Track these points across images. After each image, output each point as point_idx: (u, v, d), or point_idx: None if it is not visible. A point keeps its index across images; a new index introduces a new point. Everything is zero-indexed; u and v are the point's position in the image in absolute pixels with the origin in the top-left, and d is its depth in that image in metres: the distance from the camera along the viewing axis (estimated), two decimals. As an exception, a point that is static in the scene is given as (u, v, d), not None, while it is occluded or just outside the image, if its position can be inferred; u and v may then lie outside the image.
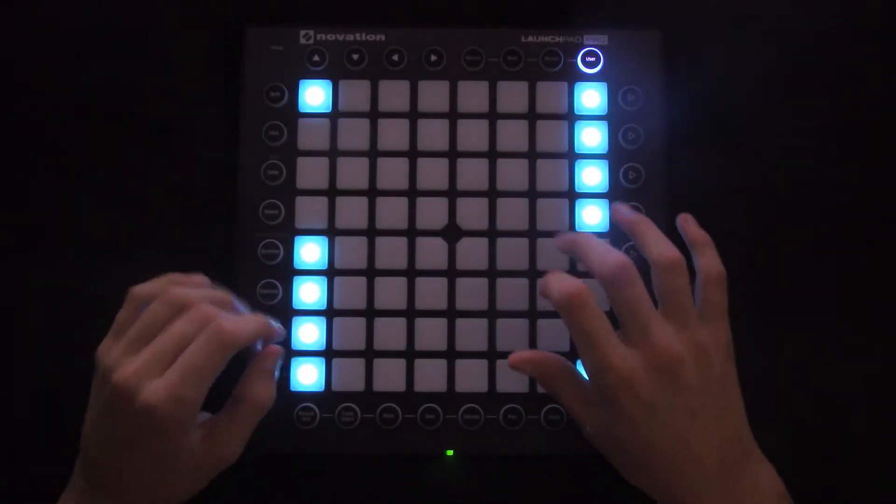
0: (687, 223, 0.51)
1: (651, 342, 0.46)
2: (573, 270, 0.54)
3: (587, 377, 0.48)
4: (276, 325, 0.50)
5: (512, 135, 0.55)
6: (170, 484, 0.46)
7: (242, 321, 0.47)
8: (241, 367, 0.49)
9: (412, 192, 0.54)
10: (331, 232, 0.54)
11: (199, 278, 0.49)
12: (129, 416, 0.44)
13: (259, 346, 0.49)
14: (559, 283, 0.47)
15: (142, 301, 0.47)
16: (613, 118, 0.55)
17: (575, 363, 0.51)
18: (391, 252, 0.54)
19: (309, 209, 0.54)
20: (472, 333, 0.53)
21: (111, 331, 0.48)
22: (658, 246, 0.48)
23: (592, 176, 0.55)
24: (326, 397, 0.53)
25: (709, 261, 0.49)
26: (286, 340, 0.53)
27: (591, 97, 0.55)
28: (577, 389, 0.48)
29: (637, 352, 0.46)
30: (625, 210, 0.52)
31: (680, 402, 0.46)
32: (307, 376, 0.53)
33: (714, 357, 0.47)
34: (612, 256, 0.47)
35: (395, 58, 0.55)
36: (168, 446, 0.45)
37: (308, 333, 0.53)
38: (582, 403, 0.48)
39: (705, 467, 0.46)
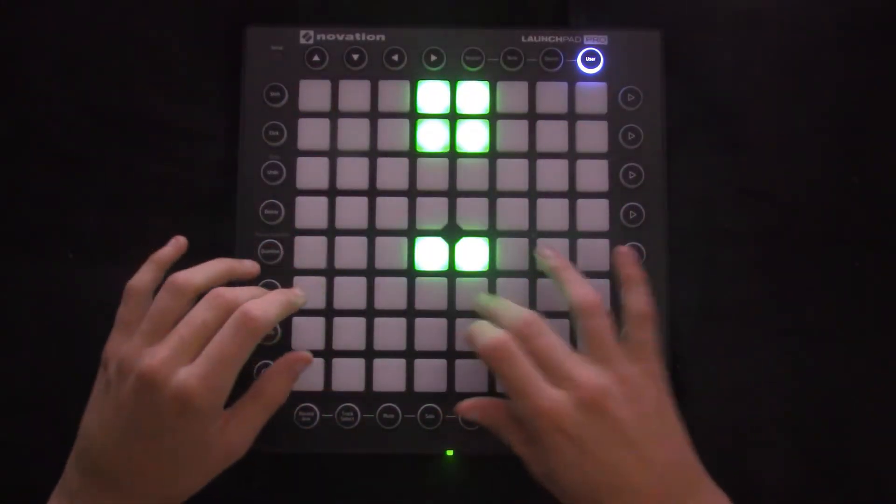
0: (623, 258, 0.51)
1: (573, 379, 0.46)
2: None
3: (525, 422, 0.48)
4: (298, 293, 0.51)
5: (512, 135, 0.55)
6: (181, 477, 0.47)
7: (268, 304, 0.47)
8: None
9: (412, 192, 0.54)
10: (331, 232, 0.54)
11: (175, 246, 0.50)
12: (157, 404, 0.44)
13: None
14: (483, 334, 0.48)
15: (140, 294, 0.48)
16: (613, 118, 0.55)
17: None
18: (391, 252, 0.54)
19: (309, 209, 0.54)
20: (472, 333, 0.53)
21: (116, 327, 0.48)
22: (577, 288, 0.49)
23: (592, 176, 0.55)
24: (326, 397, 0.53)
25: (636, 298, 0.49)
26: (287, 339, 0.53)
27: (591, 97, 0.55)
28: (519, 430, 0.48)
29: (563, 392, 0.46)
30: (547, 252, 0.52)
31: (612, 433, 0.45)
32: (307, 376, 0.53)
33: (644, 389, 0.47)
34: (519, 313, 0.48)
35: (395, 58, 0.55)
36: (192, 434, 0.45)
37: (308, 333, 0.53)
38: (523, 443, 0.48)
39: (649, 497, 0.45)
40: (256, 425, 0.48)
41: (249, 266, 0.52)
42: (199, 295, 0.47)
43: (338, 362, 0.53)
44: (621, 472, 0.45)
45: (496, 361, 0.47)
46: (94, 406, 0.47)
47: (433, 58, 0.55)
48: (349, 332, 0.53)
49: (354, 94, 0.55)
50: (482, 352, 0.47)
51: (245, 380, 0.49)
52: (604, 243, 0.54)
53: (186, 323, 0.46)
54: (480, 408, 0.49)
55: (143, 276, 0.49)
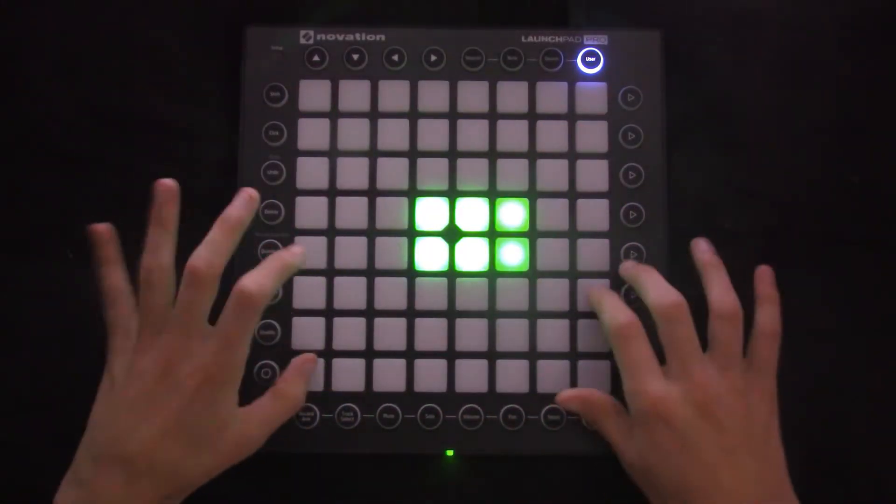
0: (763, 276, 0.53)
1: (691, 378, 0.47)
2: (572, 269, 0.54)
3: (630, 407, 0.49)
4: (295, 252, 0.52)
5: (512, 135, 0.55)
6: (196, 459, 0.47)
7: (262, 276, 0.49)
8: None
9: (412, 192, 0.54)
10: (331, 232, 0.54)
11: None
12: (177, 384, 0.47)
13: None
14: (613, 312, 0.50)
15: (120, 292, 0.50)
16: (613, 118, 0.55)
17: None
18: (391, 252, 0.54)
19: (309, 209, 0.54)
20: (471, 333, 0.53)
21: (113, 330, 0.49)
22: (720, 293, 0.50)
23: (592, 176, 0.55)
24: (326, 397, 0.53)
25: (768, 318, 0.51)
26: (287, 338, 0.53)
27: (591, 97, 0.55)
28: (619, 420, 0.50)
29: (677, 385, 0.47)
30: (703, 248, 0.53)
31: (715, 439, 0.46)
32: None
33: (756, 405, 0.48)
34: (669, 293, 0.49)
35: (395, 58, 0.55)
36: (211, 410, 0.47)
37: (308, 334, 0.53)
38: (622, 434, 0.50)
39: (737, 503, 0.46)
40: (273, 423, 0.50)
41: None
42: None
43: (338, 362, 0.53)
44: (715, 474, 0.46)
45: (622, 340, 0.49)
46: (105, 396, 0.48)
47: (433, 58, 0.55)
48: (349, 332, 0.53)
49: (354, 94, 0.55)
50: (611, 328, 0.49)
51: (247, 382, 0.49)
52: (604, 243, 0.54)
53: (178, 309, 0.48)
54: (582, 397, 0.51)
55: (115, 278, 0.51)
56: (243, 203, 0.51)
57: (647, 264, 0.53)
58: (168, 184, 0.51)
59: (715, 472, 0.46)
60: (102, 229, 0.51)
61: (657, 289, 0.50)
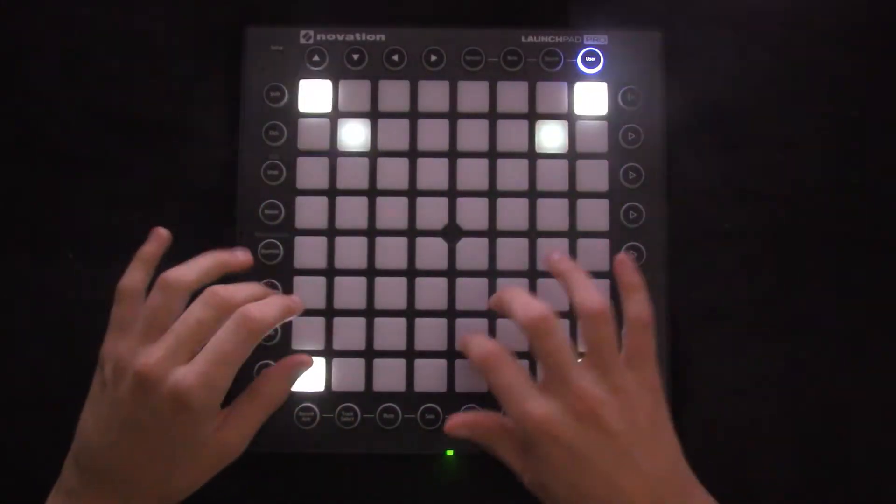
0: (622, 265, 0.50)
1: (570, 389, 0.46)
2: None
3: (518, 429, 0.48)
4: (297, 301, 0.51)
5: (512, 135, 0.55)
6: (177, 477, 0.47)
7: (267, 307, 0.47)
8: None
9: (412, 192, 0.54)
10: (331, 232, 0.54)
11: (157, 239, 0.49)
12: (153, 403, 0.44)
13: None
14: (476, 342, 0.48)
15: (132, 293, 0.48)
16: (613, 118, 0.55)
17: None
18: (391, 252, 0.54)
19: (309, 209, 0.54)
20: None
21: (111, 328, 0.48)
22: (584, 294, 0.48)
23: (592, 176, 0.54)
24: (326, 397, 0.53)
25: (637, 307, 0.49)
26: (287, 339, 0.53)
27: (591, 97, 0.55)
28: (510, 442, 0.48)
29: (557, 400, 0.46)
30: (556, 258, 0.51)
31: (605, 445, 0.45)
32: (308, 376, 0.53)
33: (640, 399, 0.47)
34: (534, 307, 0.47)
35: (395, 58, 0.55)
36: (187, 433, 0.45)
37: (308, 333, 0.53)
38: (516, 454, 0.48)
39: None
40: (253, 425, 0.48)
41: (242, 258, 0.51)
42: (195, 292, 0.47)
43: (338, 362, 0.53)
44: (613, 482, 0.45)
45: (488, 369, 0.47)
46: (90, 406, 0.47)
47: (433, 58, 0.55)
48: (349, 332, 0.53)
49: (354, 94, 0.55)
50: (475, 360, 0.48)
51: (244, 380, 0.49)
52: (604, 243, 0.54)
53: (182, 322, 0.46)
54: (469, 423, 0.49)
55: (133, 276, 0.48)
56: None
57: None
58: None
59: (610, 478, 0.45)
60: (164, 233, 0.50)
61: (523, 303, 0.48)
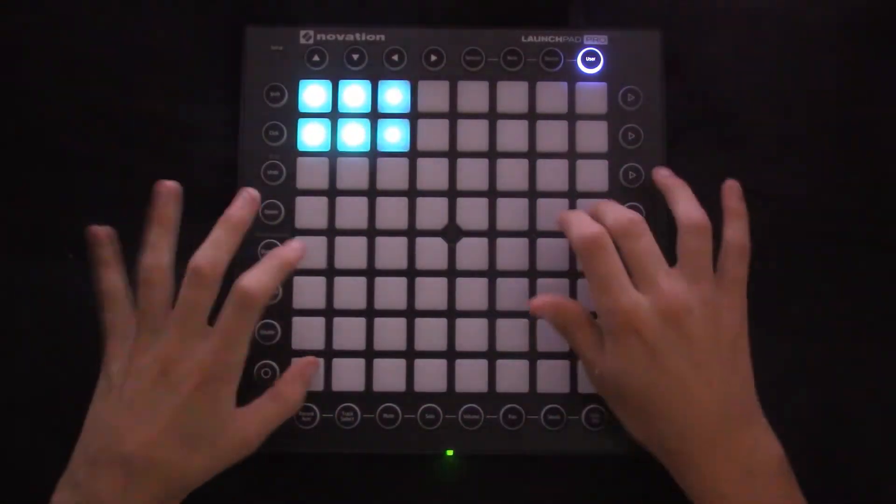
0: (730, 191, 0.52)
1: (659, 288, 0.47)
2: (573, 269, 0.54)
3: (600, 319, 0.49)
4: (295, 247, 0.51)
5: (512, 135, 0.55)
6: (193, 460, 0.47)
7: (262, 274, 0.49)
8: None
9: (412, 192, 0.54)
10: (331, 232, 0.54)
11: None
12: (175, 384, 0.46)
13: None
14: (579, 225, 0.49)
15: (117, 294, 0.50)
16: (613, 118, 0.55)
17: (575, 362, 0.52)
18: (391, 252, 0.54)
19: (309, 209, 0.54)
20: (472, 333, 0.53)
21: (109, 334, 0.49)
22: (686, 207, 0.49)
23: (592, 176, 0.54)
24: (326, 397, 0.53)
25: (736, 233, 0.50)
26: (287, 338, 0.53)
27: (591, 97, 0.55)
28: (589, 332, 0.49)
29: (646, 297, 0.47)
30: (664, 172, 0.53)
31: (684, 350, 0.46)
32: (307, 376, 0.53)
33: (725, 317, 0.48)
34: (625, 212, 0.49)
35: (395, 58, 0.55)
36: (209, 412, 0.47)
37: (308, 333, 0.53)
38: (592, 346, 0.49)
39: (704, 418, 0.46)
40: (271, 424, 0.50)
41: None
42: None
43: (338, 362, 0.53)
44: (685, 386, 0.46)
45: (588, 253, 0.48)
46: (100, 402, 0.48)
47: (433, 58, 0.55)
48: (349, 332, 0.53)
49: (354, 94, 0.55)
50: (577, 241, 0.49)
51: (244, 379, 0.49)
52: (604, 243, 0.54)
53: (179, 306, 0.48)
54: (554, 305, 0.50)
55: (113, 279, 0.50)
56: (245, 203, 0.51)
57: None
58: (169, 184, 0.51)
59: (683, 383, 0.46)
60: (100, 231, 0.51)
61: (612, 209, 0.50)
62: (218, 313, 0.48)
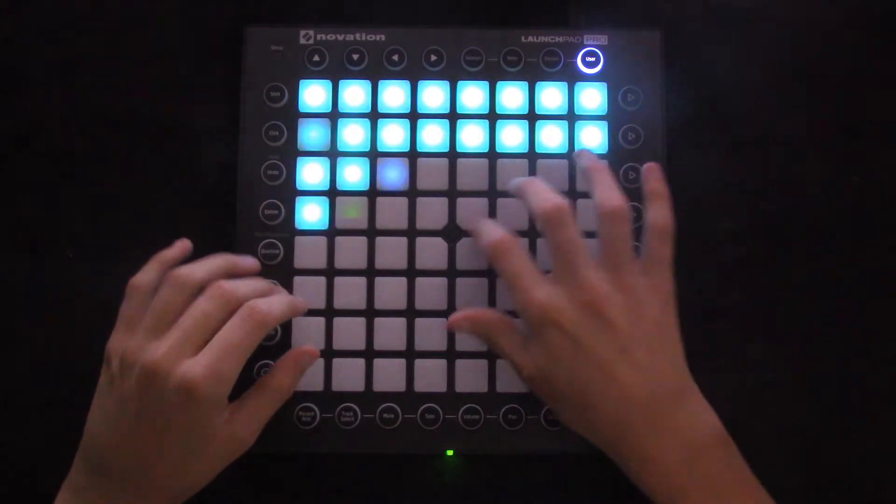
0: (650, 172, 0.51)
1: (577, 280, 0.47)
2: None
3: (521, 319, 0.49)
4: (301, 301, 0.51)
5: (512, 135, 0.55)
6: (188, 470, 0.47)
7: (275, 301, 0.48)
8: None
9: (412, 192, 0.54)
10: (331, 232, 0.54)
11: (180, 248, 0.51)
12: (162, 396, 0.45)
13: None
14: (488, 230, 0.49)
15: (142, 291, 0.48)
16: (613, 118, 0.55)
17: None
18: (391, 252, 0.54)
19: (309, 209, 0.54)
20: (472, 333, 0.53)
21: (119, 324, 0.48)
22: (604, 192, 0.49)
23: (592, 176, 0.54)
24: (326, 397, 0.53)
25: (657, 213, 0.50)
26: (287, 339, 0.53)
27: (591, 97, 0.55)
28: (512, 335, 0.49)
29: (563, 289, 0.47)
30: (586, 156, 0.52)
31: (606, 336, 0.46)
32: (307, 376, 0.53)
33: (648, 302, 0.48)
34: (550, 198, 0.48)
35: (395, 58, 0.55)
36: (197, 425, 0.46)
37: (308, 333, 0.53)
38: (516, 347, 0.49)
39: (636, 402, 0.46)
40: (262, 418, 0.49)
41: (250, 263, 0.52)
42: (201, 290, 0.48)
43: (338, 362, 0.53)
44: (611, 372, 0.46)
45: (498, 256, 0.48)
46: (98, 403, 0.47)
47: (433, 58, 0.55)
48: (349, 332, 0.53)
49: (354, 94, 0.55)
50: (485, 247, 0.49)
51: (245, 381, 0.49)
52: (604, 243, 0.54)
53: (188, 315, 0.46)
54: (472, 318, 0.50)
55: (146, 275, 0.49)
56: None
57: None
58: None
59: (609, 370, 0.46)
60: (188, 245, 0.51)
61: (537, 194, 0.49)
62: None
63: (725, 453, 0.47)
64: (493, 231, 0.49)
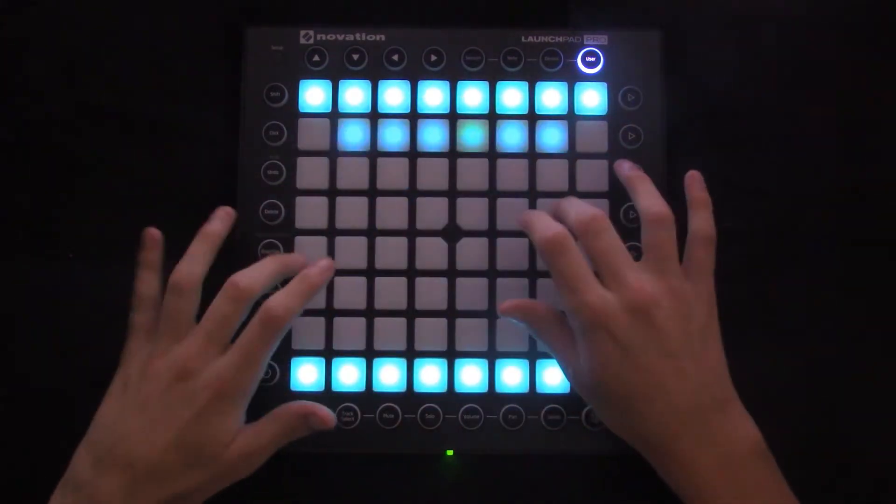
0: (693, 181, 0.52)
1: (626, 284, 0.47)
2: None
3: (570, 319, 0.49)
4: (324, 267, 0.51)
5: (512, 135, 0.55)
6: (196, 473, 0.47)
7: (289, 299, 0.49)
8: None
9: (412, 192, 0.54)
10: (331, 232, 0.54)
11: (152, 236, 0.52)
12: (192, 394, 0.47)
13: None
14: (542, 226, 0.49)
15: (151, 299, 0.51)
16: (613, 118, 0.55)
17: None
18: (391, 252, 0.54)
19: (309, 209, 0.54)
20: (471, 333, 0.53)
21: (133, 333, 0.50)
22: (648, 200, 0.50)
23: (592, 176, 0.54)
24: (327, 397, 0.53)
25: (701, 222, 0.51)
26: (287, 339, 0.53)
27: (591, 97, 0.55)
28: (562, 332, 0.50)
29: (613, 294, 0.47)
30: (626, 166, 0.53)
31: (655, 342, 0.47)
32: (307, 376, 0.53)
33: (694, 307, 0.48)
34: (586, 209, 0.49)
35: (395, 58, 0.55)
36: (217, 426, 0.47)
37: (309, 333, 0.53)
38: (566, 346, 0.49)
39: (679, 410, 0.46)
40: (272, 445, 0.49)
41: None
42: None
43: (338, 362, 0.53)
44: (658, 379, 0.46)
45: (552, 253, 0.48)
46: (112, 403, 0.48)
47: (433, 58, 0.55)
48: (349, 332, 0.53)
49: (354, 94, 0.55)
50: (540, 242, 0.49)
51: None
52: (604, 243, 0.54)
53: (209, 318, 0.48)
54: (526, 308, 0.51)
55: (149, 283, 0.51)
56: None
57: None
58: (231, 212, 0.53)
59: (656, 376, 0.46)
60: (155, 234, 0.52)
61: (573, 206, 0.50)
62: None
63: (764, 466, 0.47)
64: (549, 225, 0.49)
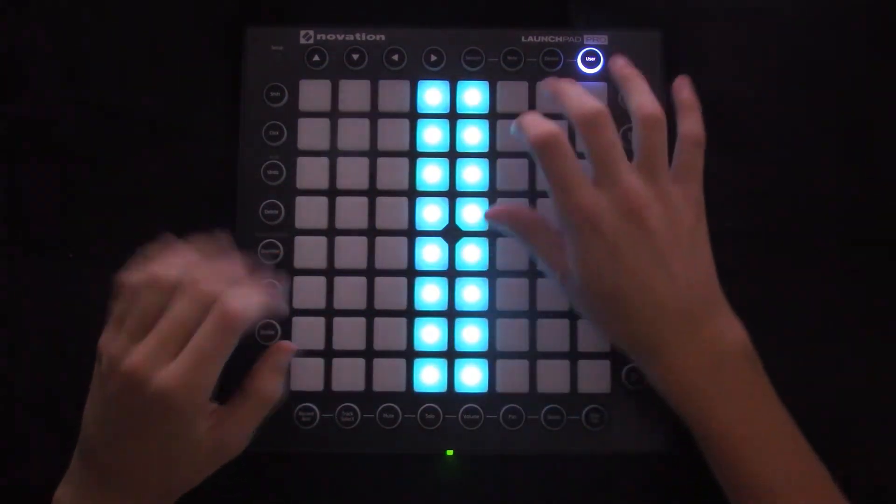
0: (681, 84, 0.52)
1: (618, 185, 0.47)
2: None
3: (558, 220, 0.49)
4: (282, 306, 0.50)
5: (512, 135, 0.55)
6: (175, 473, 0.47)
7: (247, 298, 0.46)
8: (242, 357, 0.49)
9: (412, 192, 0.54)
10: (331, 232, 0.54)
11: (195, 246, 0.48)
12: (140, 404, 0.44)
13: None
14: (535, 124, 0.48)
15: (133, 287, 0.47)
16: (614, 118, 0.55)
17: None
18: (391, 252, 0.54)
19: (309, 209, 0.54)
20: (471, 333, 0.53)
21: (111, 322, 0.47)
22: (641, 99, 0.49)
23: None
24: (326, 397, 0.53)
25: (690, 124, 0.50)
26: (286, 339, 0.53)
27: (591, 97, 0.55)
28: (549, 237, 0.50)
29: (605, 194, 0.47)
30: (621, 63, 0.52)
31: (644, 245, 0.47)
32: (307, 376, 0.53)
33: (683, 210, 0.48)
34: (588, 101, 0.48)
35: (395, 58, 0.55)
36: (179, 433, 0.45)
37: (308, 333, 0.53)
38: (552, 249, 0.49)
39: (669, 312, 0.47)
40: (251, 423, 0.48)
41: (224, 244, 0.49)
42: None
43: (338, 362, 0.53)
44: (647, 281, 0.46)
45: (545, 153, 0.48)
46: (91, 401, 0.47)
47: (433, 58, 0.55)
48: (349, 332, 0.53)
49: (354, 94, 0.55)
50: (534, 141, 0.48)
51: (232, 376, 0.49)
52: (604, 243, 0.54)
53: (165, 319, 0.45)
54: (511, 213, 0.51)
55: (134, 272, 0.47)
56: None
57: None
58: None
59: (645, 276, 0.46)
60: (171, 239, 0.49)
61: (576, 98, 0.49)
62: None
63: (751, 368, 0.48)
64: (540, 124, 0.48)
